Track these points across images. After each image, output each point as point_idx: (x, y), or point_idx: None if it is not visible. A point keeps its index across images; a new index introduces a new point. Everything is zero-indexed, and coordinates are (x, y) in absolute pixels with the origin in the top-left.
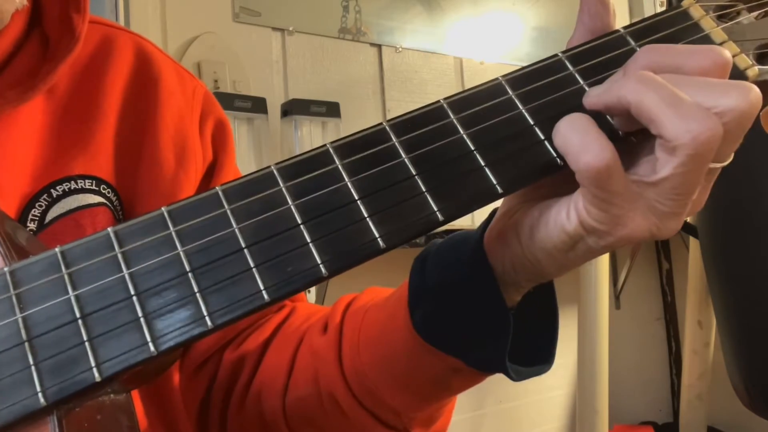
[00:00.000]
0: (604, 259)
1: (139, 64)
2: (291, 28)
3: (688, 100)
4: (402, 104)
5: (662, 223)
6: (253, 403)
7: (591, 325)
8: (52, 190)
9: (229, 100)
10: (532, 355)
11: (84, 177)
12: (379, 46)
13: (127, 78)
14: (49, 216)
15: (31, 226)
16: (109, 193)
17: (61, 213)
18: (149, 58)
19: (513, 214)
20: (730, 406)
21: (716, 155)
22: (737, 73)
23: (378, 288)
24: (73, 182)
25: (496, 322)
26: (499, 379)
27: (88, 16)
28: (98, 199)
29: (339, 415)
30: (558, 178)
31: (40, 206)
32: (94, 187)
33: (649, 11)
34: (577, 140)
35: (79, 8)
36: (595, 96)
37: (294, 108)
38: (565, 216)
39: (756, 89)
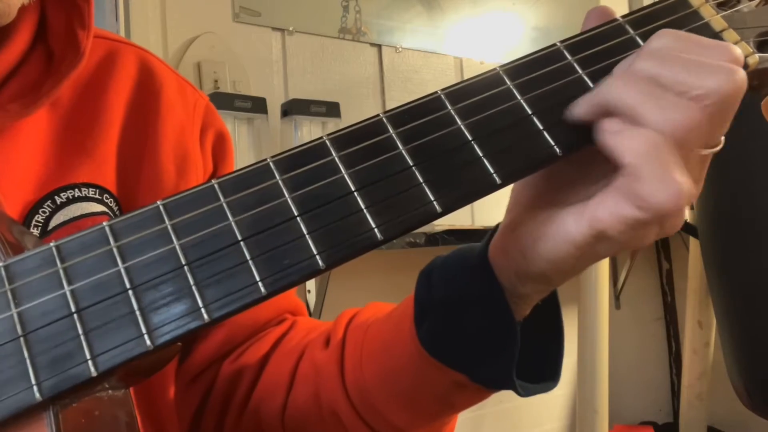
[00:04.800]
0: (604, 260)
1: (142, 77)
2: (291, 28)
3: (669, 95)
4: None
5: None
6: (251, 416)
7: (591, 325)
8: (56, 197)
9: (229, 100)
10: (536, 371)
11: (88, 185)
12: (379, 46)
13: (129, 91)
14: (53, 223)
15: (34, 232)
16: (111, 202)
17: (65, 220)
18: (152, 71)
19: (515, 228)
20: (730, 406)
21: (706, 140)
22: None
23: (380, 303)
24: (77, 190)
25: (503, 337)
26: None
27: (93, 33)
28: (101, 208)
29: (340, 430)
30: (561, 185)
31: (44, 212)
32: (97, 196)
33: None
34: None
35: (84, 24)
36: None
37: (294, 108)
38: (574, 227)
39: (742, 72)
